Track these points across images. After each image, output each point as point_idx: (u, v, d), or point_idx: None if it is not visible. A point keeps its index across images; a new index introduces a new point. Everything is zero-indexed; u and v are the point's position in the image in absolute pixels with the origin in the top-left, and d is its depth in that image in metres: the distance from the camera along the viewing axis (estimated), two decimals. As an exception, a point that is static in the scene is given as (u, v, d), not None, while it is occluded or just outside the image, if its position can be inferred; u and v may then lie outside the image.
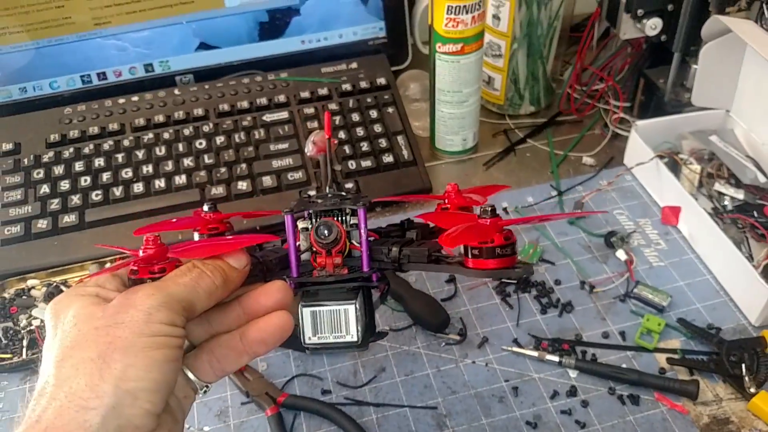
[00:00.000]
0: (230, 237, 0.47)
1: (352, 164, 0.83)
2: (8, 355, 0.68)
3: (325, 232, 0.46)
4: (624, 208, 0.81)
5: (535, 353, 0.67)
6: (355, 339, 0.46)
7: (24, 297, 0.74)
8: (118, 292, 0.40)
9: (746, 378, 0.63)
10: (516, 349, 0.68)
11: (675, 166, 0.80)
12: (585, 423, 0.62)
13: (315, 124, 0.88)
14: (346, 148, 0.85)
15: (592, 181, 0.85)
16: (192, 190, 0.82)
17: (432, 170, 0.87)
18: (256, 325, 0.43)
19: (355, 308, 0.45)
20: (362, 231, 0.46)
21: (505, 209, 0.82)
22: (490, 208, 0.44)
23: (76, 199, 0.80)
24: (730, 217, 0.75)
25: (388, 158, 0.84)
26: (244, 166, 0.84)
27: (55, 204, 0.80)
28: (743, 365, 0.63)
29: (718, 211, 0.76)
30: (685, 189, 0.77)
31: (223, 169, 0.83)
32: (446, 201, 0.54)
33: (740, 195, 0.77)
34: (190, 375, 0.42)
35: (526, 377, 0.66)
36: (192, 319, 0.41)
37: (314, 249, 0.47)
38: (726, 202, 0.77)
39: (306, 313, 0.45)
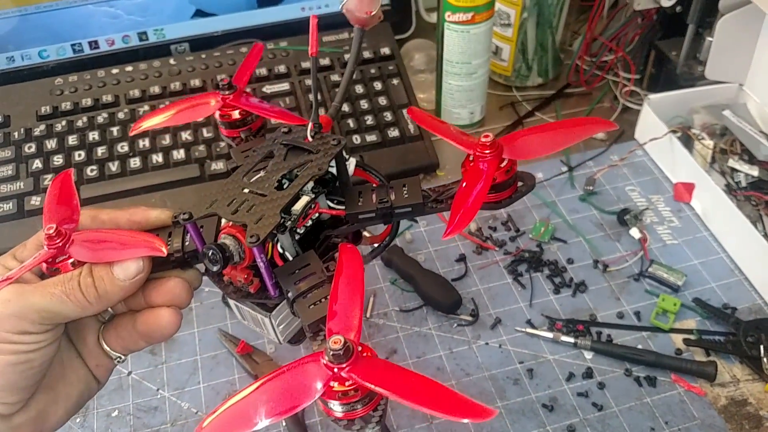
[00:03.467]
0: (134, 235, 0.42)
1: (356, 139, 0.81)
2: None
3: (211, 265, 0.40)
4: (636, 185, 0.80)
5: (549, 334, 0.66)
6: (276, 341, 0.44)
7: (19, 277, 0.71)
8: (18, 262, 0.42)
9: (764, 359, 0.62)
10: (530, 330, 0.66)
11: (687, 142, 0.79)
12: (602, 405, 0.61)
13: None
14: (350, 122, 0.82)
15: (603, 157, 0.83)
16: (191, 165, 0.79)
17: (438, 145, 0.84)
18: (143, 317, 0.43)
19: (270, 320, 0.43)
20: (261, 264, 0.41)
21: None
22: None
23: (70, 175, 0.77)
24: (744, 194, 0.74)
25: (393, 132, 0.82)
26: (245, 140, 0.81)
27: (48, 180, 0.77)
28: (761, 346, 0.62)
29: (731, 188, 0.75)
30: (697, 165, 0.75)
31: (222, 143, 0.80)
32: (472, 157, 0.42)
33: (755, 171, 0.75)
34: (104, 345, 0.44)
35: (541, 359, 0.65)
36: (64, 323, 0.41)
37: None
38: (740, 179, 0.76)
39: (231, 303, 0.44)
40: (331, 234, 0.46)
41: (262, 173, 0.44)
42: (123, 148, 0.79)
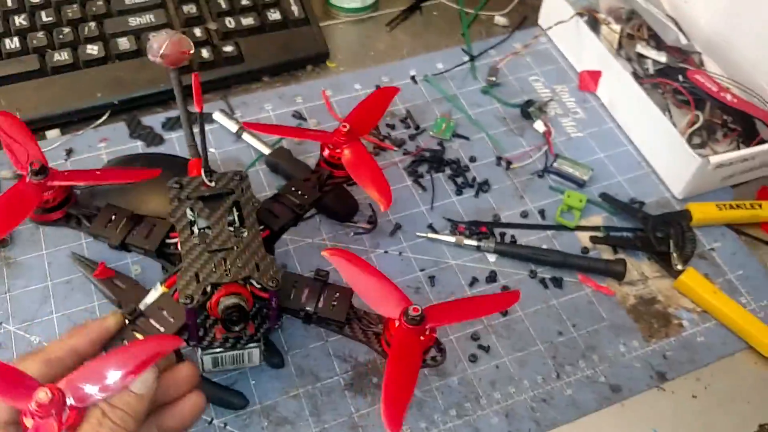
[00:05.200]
0: (129, 348, 0.40)
1: (230, 22, 0.69)
2: None
3: (234, 326, 0.44)
4: (539, 74, 0.74)
5: (452, 238, 0.60)
6: (257, 364, 0.47)
7: None
8: None
9: (673, 254, 0.59)
10: (431, 235, 0.61)
11: (594, 26, 0.73)
12: (506, 310, 0.57)
13: (182, -28, 0.72)
14: (222, 2, 0.70)
15: (505, 44, 0.76)
16: (29, 56, 0.66)
17: (328, 31, 0.75)
18: (172, 412, 0.42)
19: (260, 347, 0.47)
20: (275, 302, 0.45)
21: (413, 78, 0.72)
22: (418, 317, 0.42)
23: None
24: (651, 81, 0.70)
25: (274, 15, 0.71)
26: (93, 25, 0.67)
27: None
28: (670, 241, 0.60)
29: (638, 75, 0.71)
30: (605, 50, 0.70)
31: (66, 30, 0.67)
32: (333, 146, 0.52)
33: (662, 58, 0.71)
34: None
35: (443, 265, 0.59)
36: None
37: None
38: (647, 66, 0.71)
39: (207, 359, 0.45)
40: None
41: (208, 231, 0.46)
42: (-62, 35, 0.65)
